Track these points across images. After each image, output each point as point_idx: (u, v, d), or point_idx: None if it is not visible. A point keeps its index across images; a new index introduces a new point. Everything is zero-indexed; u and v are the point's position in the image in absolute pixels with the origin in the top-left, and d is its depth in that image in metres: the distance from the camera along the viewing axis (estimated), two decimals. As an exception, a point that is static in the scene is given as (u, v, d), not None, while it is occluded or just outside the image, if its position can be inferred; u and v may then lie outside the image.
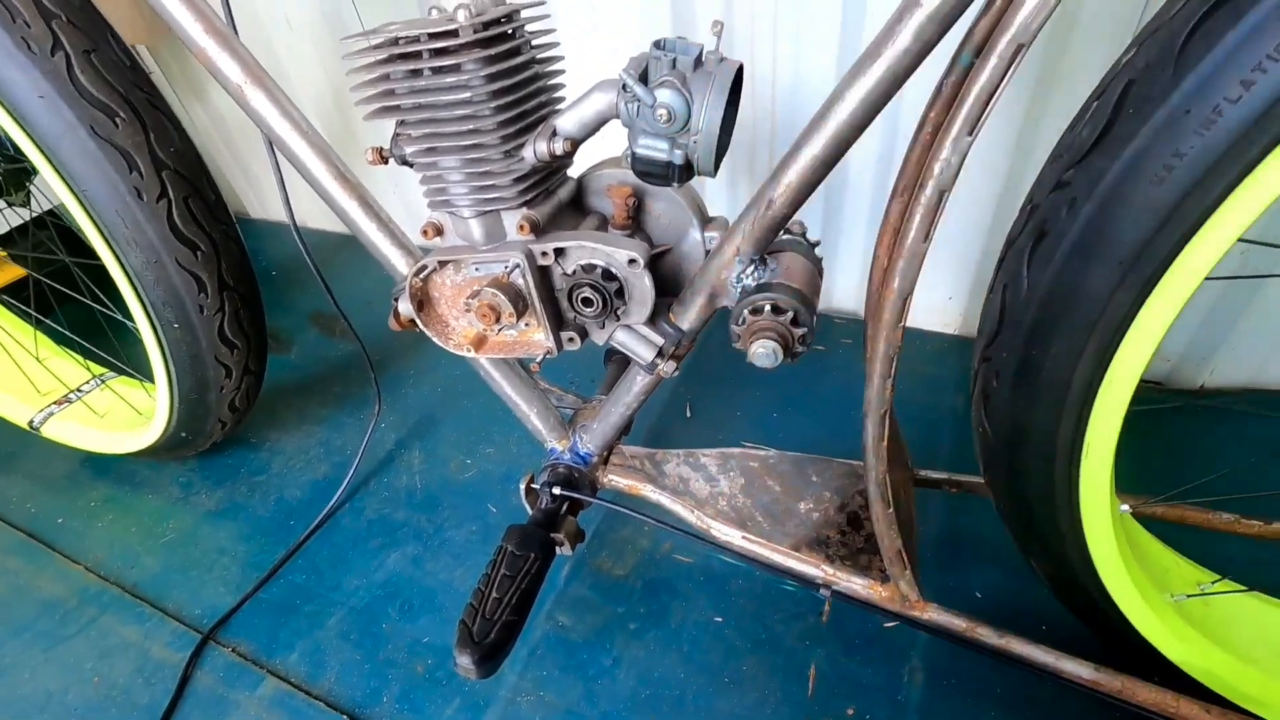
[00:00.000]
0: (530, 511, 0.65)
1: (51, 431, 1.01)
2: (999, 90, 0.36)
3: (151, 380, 0.97)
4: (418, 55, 0.44)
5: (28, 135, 0.59)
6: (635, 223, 0.55)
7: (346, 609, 0.79)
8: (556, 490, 0.65)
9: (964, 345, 1.08)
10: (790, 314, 0.48)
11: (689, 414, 0.99)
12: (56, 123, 0.58)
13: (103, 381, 1.07)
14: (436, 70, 0.44)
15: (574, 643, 0.74)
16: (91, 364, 1.08)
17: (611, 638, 0.74)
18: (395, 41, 0.44)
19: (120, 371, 1.07)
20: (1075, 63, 0.81)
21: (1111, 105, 0.36)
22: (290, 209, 0.67)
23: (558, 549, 0.63)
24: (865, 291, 1.08)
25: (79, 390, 1.06)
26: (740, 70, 0.44)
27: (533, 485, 0.67)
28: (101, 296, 0.93)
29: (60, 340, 1.10)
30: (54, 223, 1.12)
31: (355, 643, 0.76)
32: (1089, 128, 0.38)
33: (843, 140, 0.43)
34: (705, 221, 0.55)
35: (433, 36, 0.43)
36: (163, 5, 0.52)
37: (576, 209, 0.56)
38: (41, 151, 0.60)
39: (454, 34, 0.42)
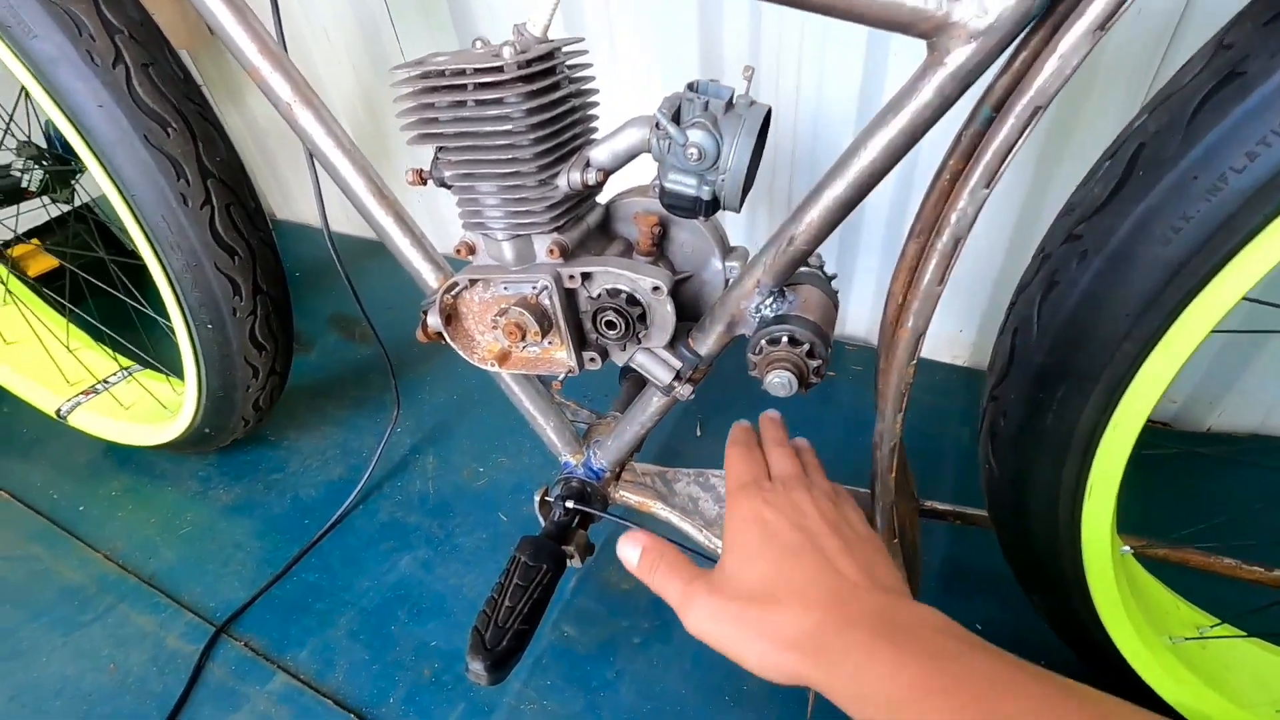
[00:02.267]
0: (543, 523, 0.67)
1: (78, 421, 1.04)
2: (1016, 148, 0.38)
3: (178, 375, 1.00)
4: (463, 87, 0.46)
5: (84, 140, 0.62)
6: (659, 250, 0.57)
7: (357, 609, 0.81)
8: (569, 504, 0.67)
9: (972, 376, 1.09)
10: (807, 346, 0.50)
11: (699, 433, 1.01)
12: (113, 131, 0.61)
13: (130, 374, 1.09)
14: (480, 102, 0.46)
15: (578, 654, 0.75)
16: (120, 356, 1.11)
17: (615, 651, 0.75)
18: (442, 74, 0.46)
19: (147, 365, 1.10)
20: (1088, 123, 0.83)
21: (1123, 166, 0.38)
22: (325, 219, 0.70)
23: (569, 561, 0.65)
24: (877, 321, 1.10)
25: (106, 381, 1.09)
26: (769, 114, 0.47)
27: (547, 498, 0.69)
28: (134, 291, 0.96)
29: (90, 331, 1.13)
30: (90, 217, 1.16)
31: (364, 643, 0.78)
32: (1101, 185, 0.40)
33: (864, 184, 0.45)
34: (726, 251, 0.57)
35: (478, 71, 0.45)
36: (220, 26, 0.55)
37: (603, 234, 0.59)
38: (95, 156, 0.63)
39: (499, 69, 0.45)
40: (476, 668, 0.52)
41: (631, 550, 0.48)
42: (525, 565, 0.60)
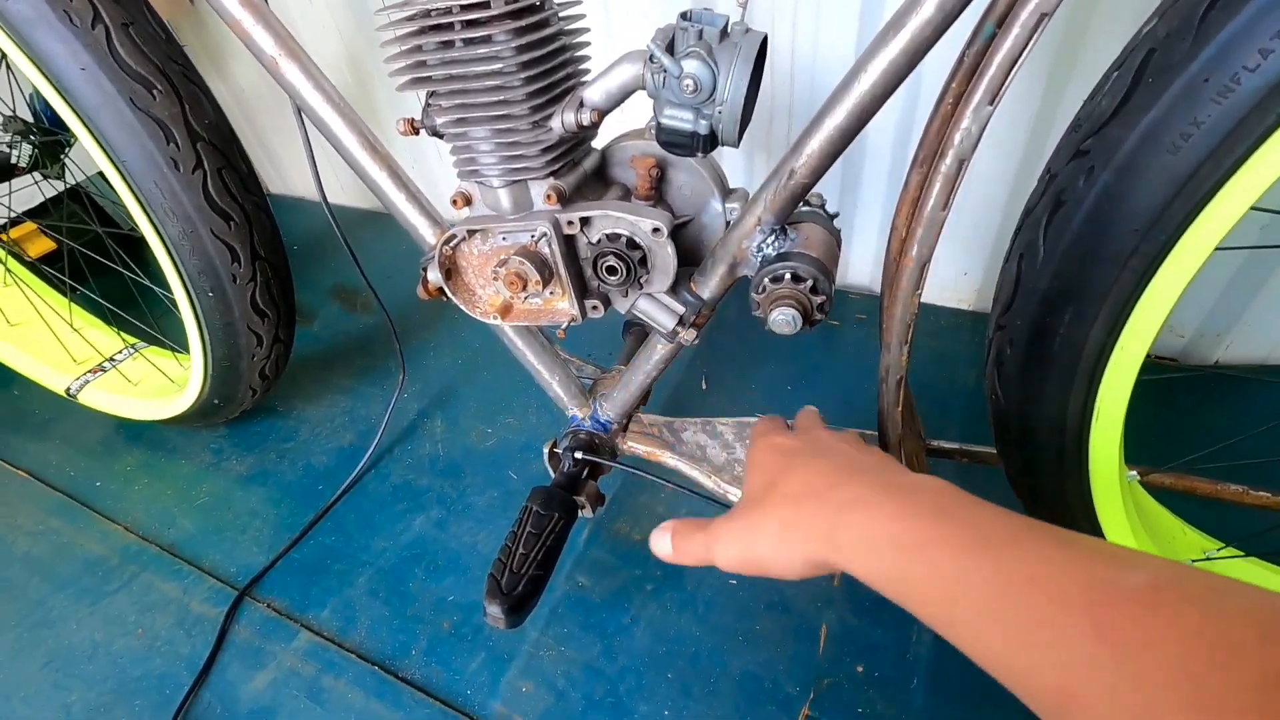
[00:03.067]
0: (553, 475, 0.68)
1: (88, 398, 1.05)
2: (1021, 59, 0.37)
3: (183, 349, 1.00)
4: (450, 27, 0.45)
5: (69, 106, 0.61)
6: (658, 193, 0.56)
7: (374, 569, 0.83)
8: (578, 455, 0.67)
9: (978, 320, 1.08)
10: (810, 282, 0.50)
11: (704, 387, 1.01)
12: (97, 94, 0.59)
13: (136, 350, 1.10)
14: (468, 41, 0.45)
15: (593, 602, 0.77)
16: (124, 334, 1.11)
17: (629, 598, 0.76)
18: (428, 13, 0.45)
19: (153, 341, 1.11)
20: (1098, 31, 0.80)
21: (1132, 74, 0.37)
22: (319, 181, 0.69)
23: (580, 511, 0.66)
24: (880, 267, 1.08)
25: (113, 359, 1.09)
26: (765, 41, 0.45)
27: (555, 450, 0.69)
28: (133, 266, 0.96)
29: (94, 310, 1.13)
30: (85, 195, 1.15)
31: (384, 600, 0.79)
32: (1108, 98, 0.39)
33: (865, 111, 0.44)
34: (726, 193, 0.56)
35: (465, 8, 0.44)
36: (199, -22, 0.53)
37: (600, 180, 0.58)
38: (83, 122, 0.62)
39: (486, 5, 0.43)
40: (494, 611, 0.54)
41: (663, 540, 0.47)
42: (537, 514, 0.61)
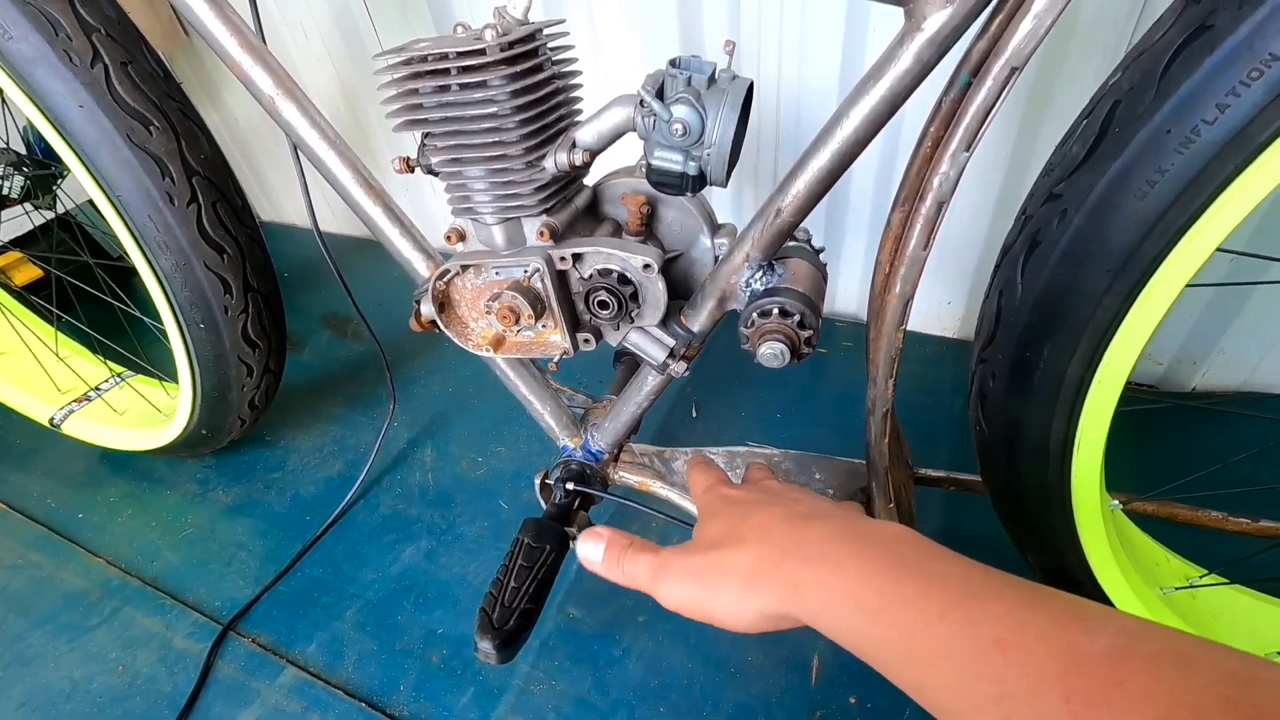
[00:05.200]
0: (544, 506, 0.68)
1: (72, 429, 1.04)
2: (994, 110, 0.38)
3: (171, 379, 1.00)
4: (446, 72, 0.47)
5: (66, 142, 0.62)
6: (648, 229, 0.57)
7: (363, 601, 0.82)
8: (569, 486, 0.67)
9: (961, 348, 1.10)
10: (797, 317, 0.51)
11: (695, 414, 1.02)
12: (94, 131, 0.60)
13: (122, 379, 1.09)
14: (464, 86, 0.47)
15: (584, 634, 0.76)
16: (111, 363, 1.10)
17: (621, 629, 0.76)
18: (425, 59, 0.46)
19: (139, 370, 1.10)
20: (1067, 82, 0.84)
21: (1100, 124, 0.39)
22: (314, 215, 0.70)
23: (571, 542, 0.66)
24: (866, 296, 1.10)
25: (98, 388, 1.08)
26: (751, 87, 0.47)
27: (547, 481, 0.70)
28: (122, 295, 0.95)
29: (80, 339, 1.12)
30: (75, 224, 1.15)
31: (372, 634, 0.78)
32: (1079, 144, 0.40)
33: (847, 154, 0.45)
34: (715, 228, 0.58)
35: (461, 55, 0.45)
36: (200, 21, 0.55)
37: (592, 215, 0.59)
38: (79, 158, 0.62)
39: (481, 53, 0.45)
40: (485, 647, 0.53)
41: (593, 547, 0.44)
42: (529, 546, 0.61)
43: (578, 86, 0.54)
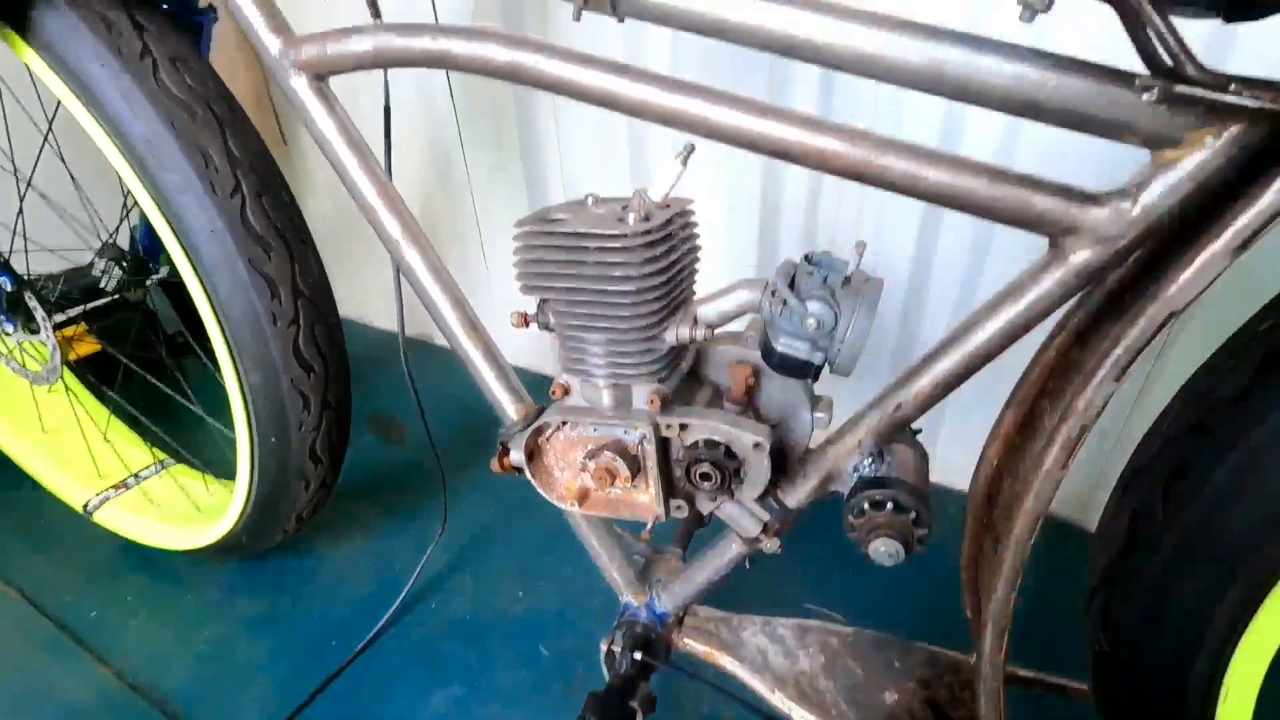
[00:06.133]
0: (607, 676, 0.63)
1: (104, 517, 1.01)
2: (1146, 348, 0.38)
3: (214, 473, 0.98)
4: (582, 248, 0.48)
5: (189, 259, 0.64)
6: (749, 398, 0.57)
7: (384, 752, 0.75)
8: (637, 655, 0.63)
9: (1057, 527, 1.03)
10: (912, 514, 0.49)
11: (747, 565, 0.97)
12: (219, 253, 0.63)
13: (164, 467, 1.07)
14: (600, 263, 0.48)
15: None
16: (155, 448, 1.09)
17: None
18: (567, 235, 0.48)
19: (181, 459, 1.08)
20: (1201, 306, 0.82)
21: (1251, 369, 0.39)
22: (406, 356, 0.71)
23: (636, 717, 0.61)
24: (941, 459, 1.05)
25: (138, 475, 1.06)
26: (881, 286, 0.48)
27: (612, 648, 0.65)
28: (188, 390, 0.96)
29: (124, 416, 1.11)
30: (142, 305, 1.18)
31: (391, 794, 0.71)
32: (1229, 384, 0.40)
33: (976, 362, 0.46)
34: (814, 402, 0.57)
35: (601, 237, 0.47)
36: (343, 166, 0.58)
37: (693, 377, 0.59)
38: (197, 275, 0.64)
39: (623, 236, 0.46)
40: None
41: None
42: (593, 728, 0.56)
43: (699, 259, 0.55)
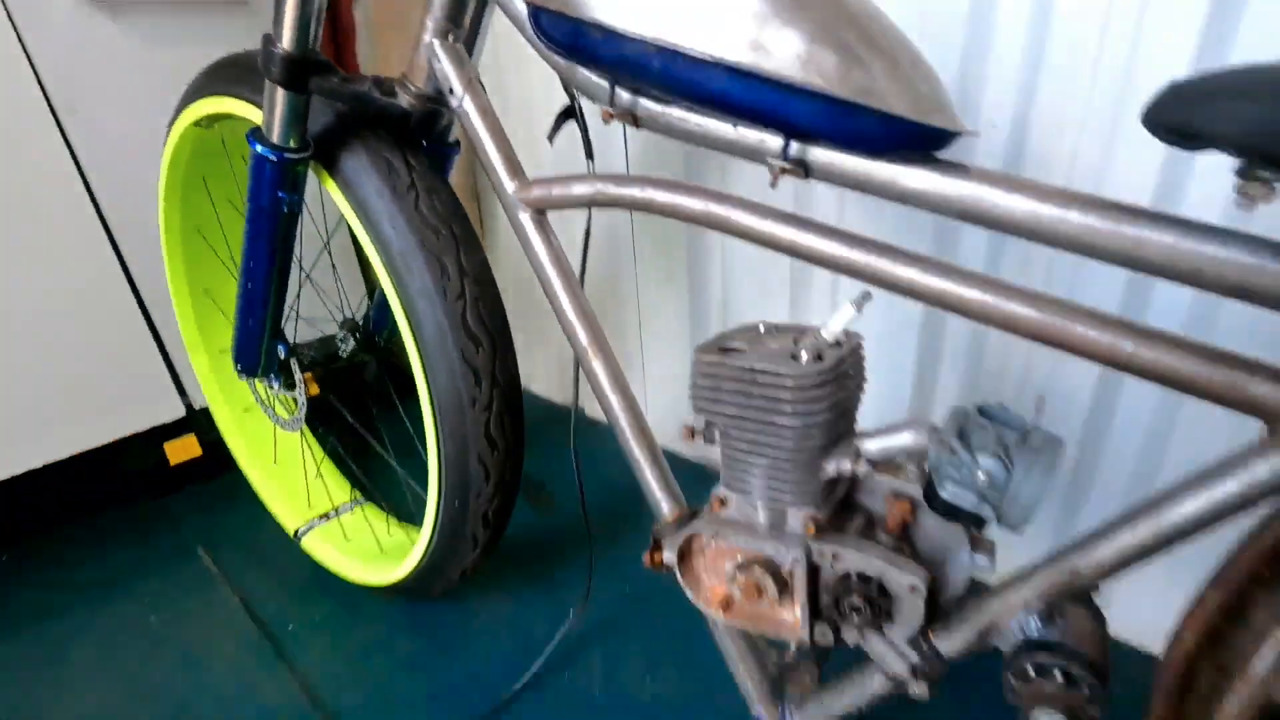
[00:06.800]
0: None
1: (309, 544, 1.19)
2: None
3: (395, 516, 1.12)
4: (753, 382, 0.53)
5: (416, 345, 0.78)
6: (904, 533, 0.57)
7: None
8: (768, 777, 0.62)
9: None
10: (1086, 691, 0.46)
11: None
12: (440, 345, 0.76)
13: (358, 505, 1.25)
14: (770, 398, 0.52)
15: None
16: (353, 487, 1.27)
17: None
18: (742, 369, 0.53)
19: (371, 499, 1.25)
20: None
21: None
22: (576, 444, 0.79)
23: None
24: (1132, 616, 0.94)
25: (338, 510, 1.25)
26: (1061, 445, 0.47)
27: (743, 763, 0.65)
28: (388, 446, 1.12)
29: (334, 456, 1.31)
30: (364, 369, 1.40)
31: None
32: None
33: (1168, 539, 0.43)
34: (974, 543, 0.56)
35: (774, 374, 0.51)
36: (550, 282, 0.68)
37: (847, 501, 0.60)
38: (420, 356, 0.78)
39: (793, 375, 0.50)
40: None
41: None
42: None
43: (862, 393, 0.58)
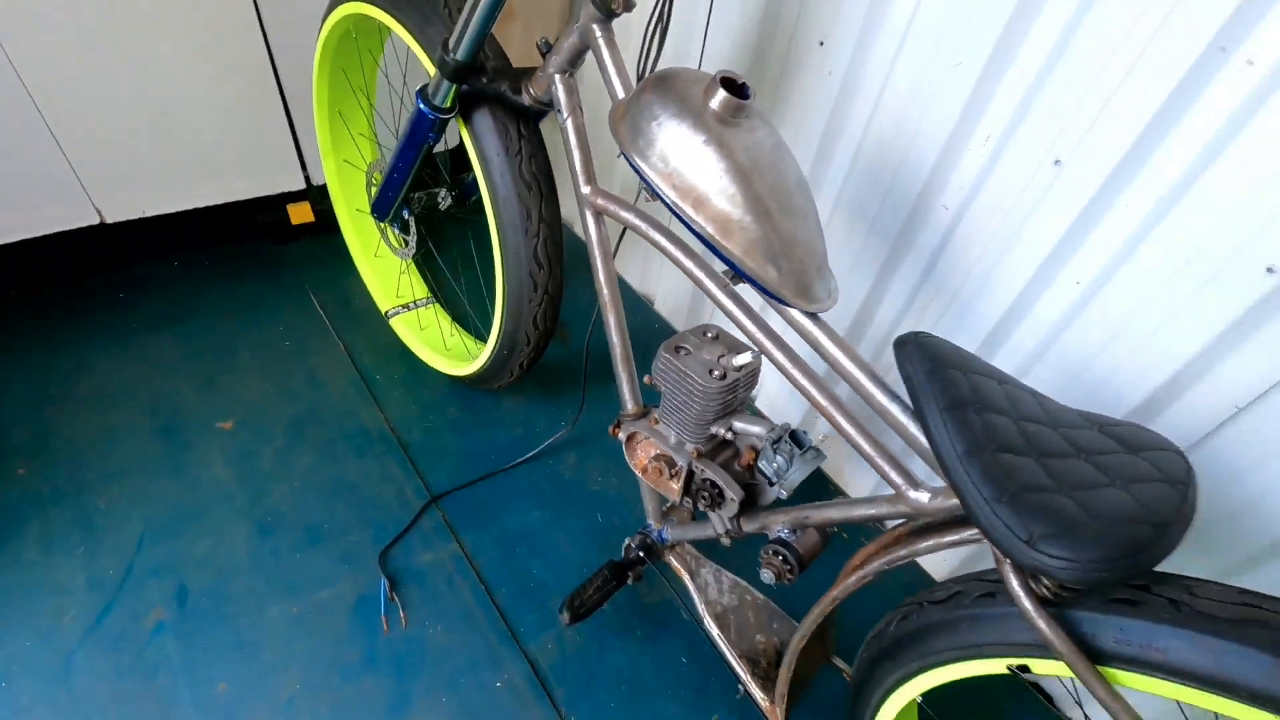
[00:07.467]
0: (623, 554, 1.17)
1: (395, 324, 1.66)
2: None
3: (454, 319, 1.58)
4: (684, 380, 0.93)
5: (498, 231, 1.15)
6: (752, 473, 1.02)
7: (500, 529, 1.37)
8: (640, 553, 1.16)
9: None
10: (790, 569, 0.94)
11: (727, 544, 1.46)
12: (515, 243, 1.13)
13: (427, 303, 1.70)
14: (690, 390, 0.93)
15: (608, 622, 1.27)
16: (430, 290, 1.71)
17: (629, 628, 1.26)
18: (680, 370, 0.93)
19: (436, 301, 1.70)
20: None
21: None
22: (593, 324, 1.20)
23: (629, 579, 1.15)
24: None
25: (415, 302, 1.70)
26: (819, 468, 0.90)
27: (630, 543, 1.19)
28: (459, 274, 1.52)
29: (420, 267, 1.74)
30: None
31: (501, 550, 1.34)
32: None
33: (838, 522, 0.87)
34: (781, 481, 1.01)
35: (696, 382, 0.91)
36: (594, 256, 1.04)
37: (728, 443, 1.04)
38: (497, 229, 1.15)
39: (705, 385, 0.90)
40: (564, 616, 1.04)
41: None
42: (605, 576, 1.11)
43: (752, 393, 0.98)
